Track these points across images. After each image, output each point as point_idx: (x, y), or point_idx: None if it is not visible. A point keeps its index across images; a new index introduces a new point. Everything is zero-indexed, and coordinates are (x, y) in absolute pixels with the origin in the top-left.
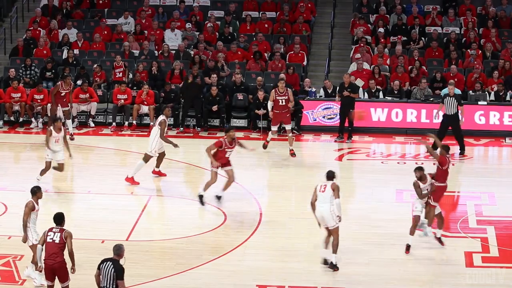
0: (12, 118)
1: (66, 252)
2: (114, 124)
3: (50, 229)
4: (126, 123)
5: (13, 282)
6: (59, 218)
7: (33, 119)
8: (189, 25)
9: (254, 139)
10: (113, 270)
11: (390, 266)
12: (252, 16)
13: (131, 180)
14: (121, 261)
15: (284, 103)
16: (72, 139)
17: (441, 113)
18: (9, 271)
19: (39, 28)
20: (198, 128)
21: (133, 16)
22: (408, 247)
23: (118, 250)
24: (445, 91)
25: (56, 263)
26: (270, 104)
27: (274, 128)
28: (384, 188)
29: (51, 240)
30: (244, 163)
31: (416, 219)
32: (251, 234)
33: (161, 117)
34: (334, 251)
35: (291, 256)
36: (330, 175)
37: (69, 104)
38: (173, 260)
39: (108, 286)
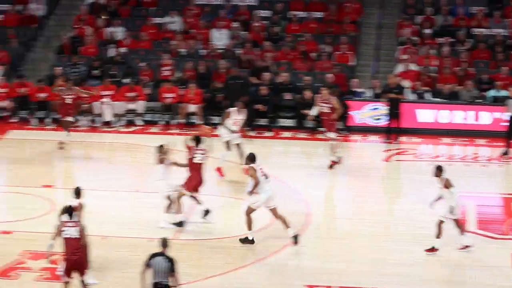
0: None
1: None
2: (161, 122)
3: (64, 224)
4: (173, 121)
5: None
6: (70, 211)
7: (80, 117)
8: (236, 24)
9: (301, 139)
10: (167, 263)
11: (436, 267)
12: (299, 16)
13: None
14: None
15: (327, 111)
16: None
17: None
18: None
19: (85, 26)
20: (246, 128)
21: (180, 14)
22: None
23: (166, 242)
24: (492, 92)
25: (79, 257)
26: (315, 109)
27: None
28: (431, 189)
29: (69, 236)
30: (292, 163)
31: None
32: (299, 234)
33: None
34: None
35: (337, 256)
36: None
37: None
38: (222, 259)
39: (161, 280)
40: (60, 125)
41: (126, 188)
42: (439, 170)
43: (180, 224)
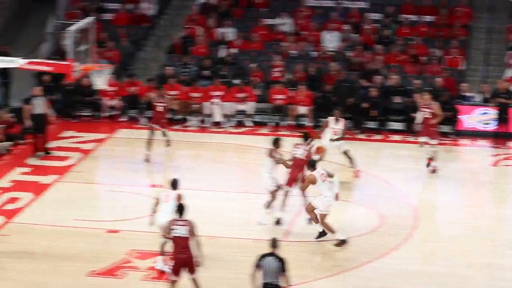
0: (168, 116)
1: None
2: (271, 124)
3: (174, 222)
4: (283, 123)
5: (167, 279)
6: (182, 209)
7: (189, 117)
8: (347, 27)
9: (411, 143)
10: (277, 263)
11: None
12: (410, 19)
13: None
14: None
15: (428, 116)
16: None
17: None
18: None
19: (196, 26)
20: (355, 130)
21: (291, 16)
22: None
23: (276, 242)
24: None
25: (188, 256)
26: (419, 114)
27: (422, 139)
28: None
29: (179, 234)
30: (401, 166)
31: None
32: (405, 238)
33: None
34: None
35: (444, 260)
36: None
37: None
38: (329, 261)
39: (272, 280)
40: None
41: (235, 188)
42: None
43: (278, 222)
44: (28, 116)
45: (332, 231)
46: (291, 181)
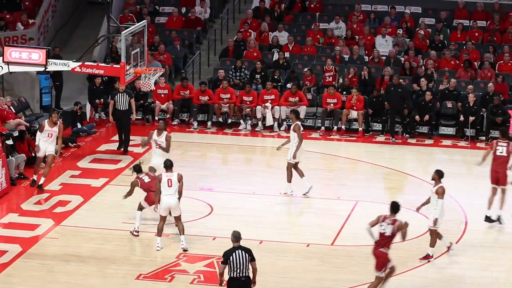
0: (220, 119)
1: None
2: (322, 128)
3: (384, 218)
4: (335, 127)
5: (216, 283)
6: (396, 207)
7: (241, 121)
8: (400, 31)
9: (462, 148)
10: (246, 254)
11: None
12: (463, 24)
13: None
14: None
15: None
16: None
17: None
18: (213, 272)
19: (249, 30)
20: (406, 135)
21: (345, 21)
22: None
23: (239, 235)
24: None
25: (381, 253)
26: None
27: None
28: None
29: (383, 231)
30: (451, 171)
31: None
32: (455, 242)
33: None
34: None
35: (496, 266)
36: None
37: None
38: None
39: (242, 272)
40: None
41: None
42: (437, 174)
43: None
44: (111, 112)
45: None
46: (493, 178)
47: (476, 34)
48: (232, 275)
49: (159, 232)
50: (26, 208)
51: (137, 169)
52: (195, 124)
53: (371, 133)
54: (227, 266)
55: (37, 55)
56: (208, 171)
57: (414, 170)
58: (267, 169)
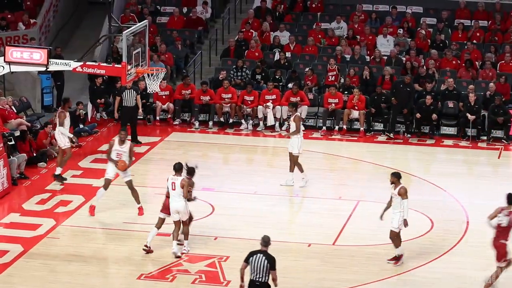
0: (221, 119)
1: None
2: (324, 128)
3: (501, 210)
4: (337, 127)
5: (218, 283)
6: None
7: (243, 121)
8: (401, 31)
9: (463, 147)
10: (265, 261)
11: None
12: (464, 24)
13: None
14: None
15: None
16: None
17: None
18: (214, 272)
19: (251, 30)
20: (408, 135)
21: (346, 21)
22: None
23: (267, 240)
24: None
25: (500, 244)
26: None
27: None
28: None
29: (500, 222)
30: (452, 171)
31: None
32: (457, 242)
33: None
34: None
35: (493, 266)
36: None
37: None
38: (378, 266)
39: (260, 277)
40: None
41: (285, 192)
42: (395, 177)
43: None
44: (117, 108)
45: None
46: None
47: (478, 34)
48: (250, 277)
49: (174, 237)
50: (27, 208)
51: (191, 170)
52: (197, 124)
53: (372, 133)
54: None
55: (38, 55)
56: (210, 171)
57: (415, 170)
58: (268, 169)
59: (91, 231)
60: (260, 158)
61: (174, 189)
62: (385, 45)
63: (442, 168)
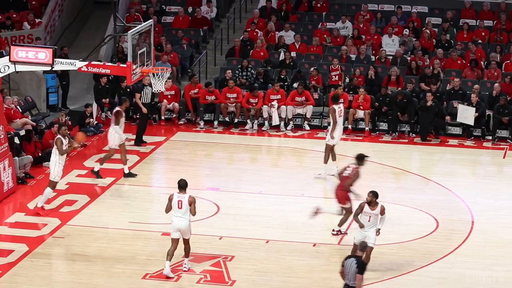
0: (227, 119)
1: None
2: (329, 128)
3: None
4: None
5: (223, 282)
6: None
7: (248, 120)
8: (407, 31)
9: (468, 147)
10: (355, 265)
11: None
12: (469, 24)
13: None
14: None
15: None
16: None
17: None
18: (219, 272)
19: (256, 30)
20: (413, 135)
21: (351, 20)
22: None
23: (365, 246)
24: None
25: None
26: None
27: None
28: None
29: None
30: (457, 170)
31: None
32: (462, 242)
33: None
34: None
35: (501, 265)
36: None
37: None
38: (384, 265)
39: (350, 281)
40: None
41: (290, 192)
42: (374, 196)
43: None
44: (141, 104)
45: None
46: None
47: (483, 34)
48: (345, 280)
49: (168, 256)
50: (32, 207)
51: (360, 157)
52: (202, 123)
53: (377, 132)
54: None
55: (43, 54)
56: (215, 170)
57: (421, 169)
58: (273, 169)
59: (96, 230)
60: (265, 157)
61: (181, 208)
62: (390, 45)
63: (447, 168)
